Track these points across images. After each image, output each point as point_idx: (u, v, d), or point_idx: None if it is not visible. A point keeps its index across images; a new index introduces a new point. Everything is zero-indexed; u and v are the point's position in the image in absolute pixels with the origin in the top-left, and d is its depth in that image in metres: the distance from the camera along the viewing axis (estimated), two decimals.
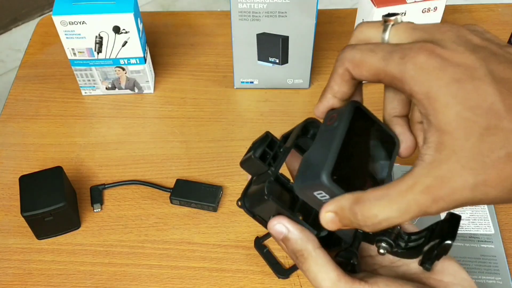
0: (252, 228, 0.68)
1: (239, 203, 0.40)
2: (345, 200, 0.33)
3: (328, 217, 0.34)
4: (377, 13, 0.72)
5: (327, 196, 0.34)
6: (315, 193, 0.34)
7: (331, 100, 0.37)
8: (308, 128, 0.40)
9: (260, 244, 0.66)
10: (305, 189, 0.35)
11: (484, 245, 0.64)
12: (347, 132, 0.35)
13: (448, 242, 0.35)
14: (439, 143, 0.30)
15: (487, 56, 0.31)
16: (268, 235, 0.67)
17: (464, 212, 0.67)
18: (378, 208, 0.32)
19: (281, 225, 0.38)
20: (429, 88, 0.30)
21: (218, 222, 0.69)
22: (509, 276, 0.62)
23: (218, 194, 0.70)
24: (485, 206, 0.67)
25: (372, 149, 0.37)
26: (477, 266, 0.63)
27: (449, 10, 0.91)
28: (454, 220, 0.36)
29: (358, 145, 0.37)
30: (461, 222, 0.66)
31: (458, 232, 0.64)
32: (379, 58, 0.33)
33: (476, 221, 0.66)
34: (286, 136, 0.41)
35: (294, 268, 0.64)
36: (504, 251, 0.64)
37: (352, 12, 0.88)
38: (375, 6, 0.72)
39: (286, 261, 0.65)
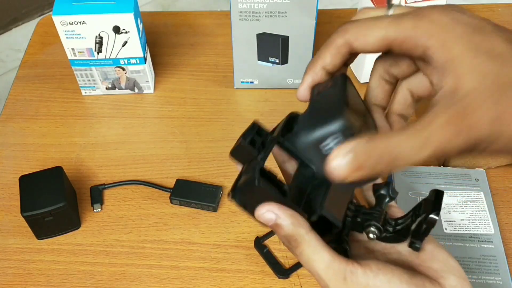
0: (252, 228, 0.68)
1: (230, 194, 0.40)
2: (360, 140, 0.33)
3: (339, 162, 0.33)
4: None
5: (335, 141, 0.34)
6: (325, 142, 0.34)
7: (320, 73, 0.37)
8: (292, 124, 0.39)
9: (260, 244, 0.66)
10: (316, 138, 0.35)
11: (484, 245, 0.64)
12: (346, 93, 0.35)
13: (434, 215, 0.36)
14: (456, 86, 0.32)
15: (489, 22, 0.34)
16: (268, 235, 0.67)
17: (464, 212, 0.67)
18: (395, 143, 0.31)
19: (270, 213, 0.37)
20: (445, 40, 0.33)
21: (218, 222, 0.69)
22: (509, 276, 0.62)
23: (218, 194, 0.70)
24: (485, 206, 0.67)
25: (365, 117, 0.38)
26: (477, 266, 0.63)
27: None
28: (438, 196, 0.37)
29: (358, 107, 0.37)
30: (461, 222, 0.66)
31: (458, 232, 0.65)
32: (387, 23, 0.34)
33: (476, 221, 0.66)
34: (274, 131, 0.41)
35: (294, 268, 0.64)
36: (504, 251, 0.64)
37: (352, 12, 0.88)
38: (375, 6, 0.72)
39: (286, 261, 0.65)
